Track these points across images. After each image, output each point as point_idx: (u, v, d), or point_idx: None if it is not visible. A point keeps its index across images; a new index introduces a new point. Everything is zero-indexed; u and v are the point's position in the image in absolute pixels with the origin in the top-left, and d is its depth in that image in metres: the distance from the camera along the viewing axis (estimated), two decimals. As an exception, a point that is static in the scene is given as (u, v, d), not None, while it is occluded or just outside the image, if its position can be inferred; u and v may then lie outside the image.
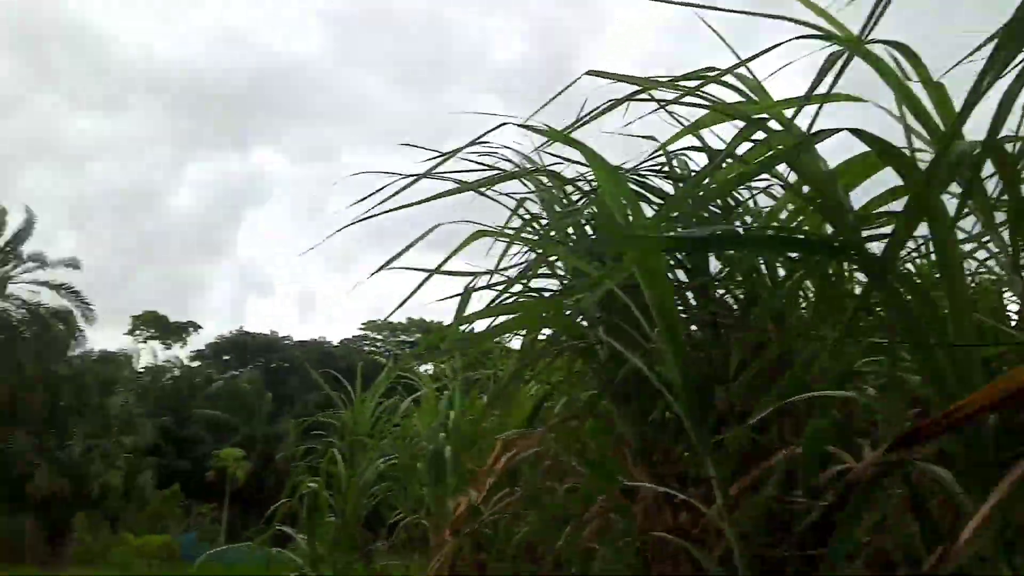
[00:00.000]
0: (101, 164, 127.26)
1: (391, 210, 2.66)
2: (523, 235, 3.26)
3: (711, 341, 2.77)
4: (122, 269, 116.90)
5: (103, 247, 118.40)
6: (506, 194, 3.28)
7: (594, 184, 3.01)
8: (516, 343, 3.82)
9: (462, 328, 3.13)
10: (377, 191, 2.66)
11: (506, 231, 3.19)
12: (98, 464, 24.99)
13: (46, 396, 26.87)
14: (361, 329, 68.34)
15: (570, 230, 3.25)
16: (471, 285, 3.11)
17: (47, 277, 30.31)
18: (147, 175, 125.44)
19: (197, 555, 33.18)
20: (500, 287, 3.16)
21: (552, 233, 3.23)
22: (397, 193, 2.66)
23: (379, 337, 67.98)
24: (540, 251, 3.24)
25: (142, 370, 58.19)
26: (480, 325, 3.12)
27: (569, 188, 3.25)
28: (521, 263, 3.27)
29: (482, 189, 3.03)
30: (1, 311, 28.72)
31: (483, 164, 3.10)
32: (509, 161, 3.16)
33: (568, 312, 3.03)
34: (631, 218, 2.54)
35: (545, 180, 3.20)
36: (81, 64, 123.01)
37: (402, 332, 67.28)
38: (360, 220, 2.74)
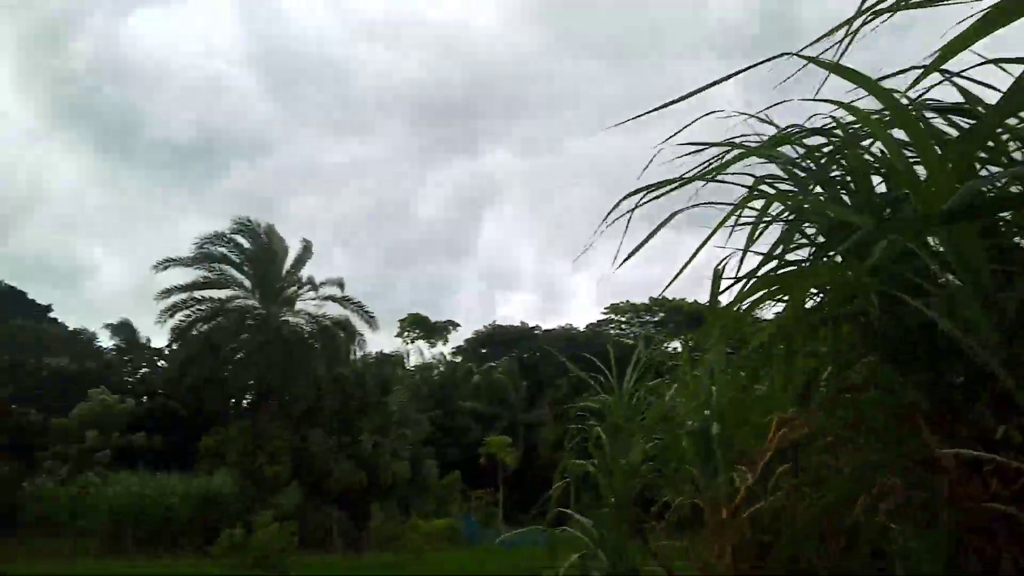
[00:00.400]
0: (356, 184, 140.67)
1: (663, 194, 2.65)
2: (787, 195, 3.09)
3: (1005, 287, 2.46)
4: (384, 277, 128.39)
5: (366, 259, 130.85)
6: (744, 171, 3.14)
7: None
8: (773, 315, 3.66)
9: (723, 302, 3.05)
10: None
11: (781, 189, 3.05)
12: (386, 456, 27.63)
13: (337, 398, 30.31)
14: (604, 313, 69.18)
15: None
16: (724, 261, 3.04)
17: (327, 293, 34.19)
18: (395, 189, 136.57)
19: (478, 537, 35.53)
20: (759, 259, 3.05)
21: (816, 189, 3.04)
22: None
23: (623, 319, 68.32)
24: (793, 219, 3.08)
25: (412, 368, 63.55)
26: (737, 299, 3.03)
27: (820, 139, 3.02)
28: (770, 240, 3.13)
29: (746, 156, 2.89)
30: (294, 326, 32.87)
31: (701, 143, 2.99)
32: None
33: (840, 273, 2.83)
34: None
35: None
36: (329, 97, 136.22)
37: (645, 312, 67.04)
38: (645, 199, 2.74)
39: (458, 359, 70.39)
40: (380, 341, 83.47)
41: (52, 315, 65.55)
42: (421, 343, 75.02)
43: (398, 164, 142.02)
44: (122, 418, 47.97)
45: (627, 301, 66.27)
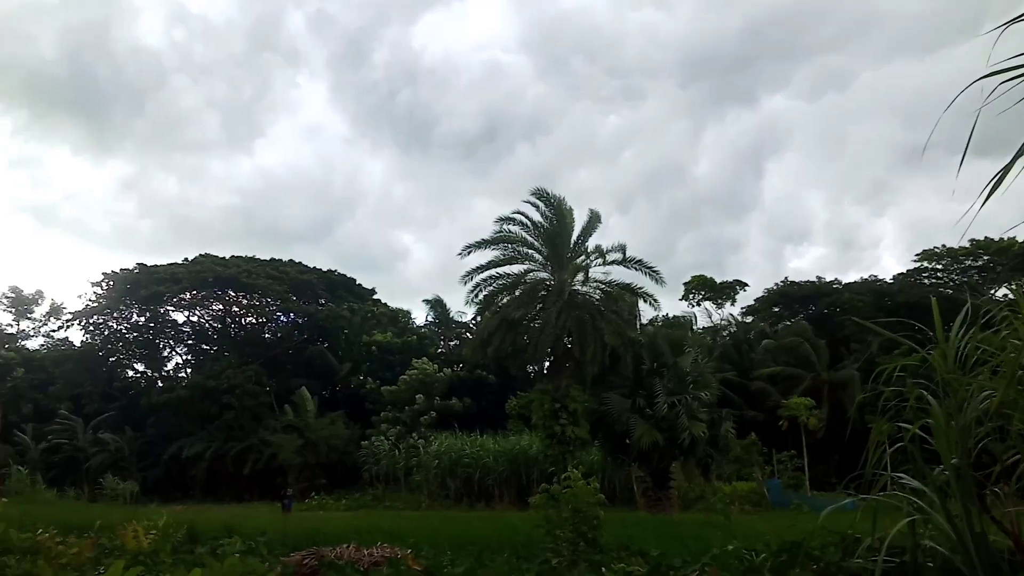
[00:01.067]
0: (631, 151, 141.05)
1: None
2: None
3: None
4: (664, 241, 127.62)
5: (645, 225, 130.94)
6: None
7: None
8: None
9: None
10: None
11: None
12: (683, 417, 27.68)
13: (630, 362, 30.95)
14: (915, 260, 62.24)
15: None
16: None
17: (606, 266, 34.96)
18: (670, 151, 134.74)
19: (785, 501, 34.28)
20: None
21: None
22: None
23: (938, 267, 61.08)
24: None
25: (701, 330, 62.63)
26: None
27: None
28: None
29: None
30: (584, 294, 34.08)
31: None
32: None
33: None
34: None
35: None
36: (599, 68, 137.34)
37: (965, 257, 59.30)
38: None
39: (748, 319, 67.93)
40: (666, 305, 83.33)
41: (376, 296, 74.31)
42: (708, 305, 73.63)
43: (672, 125, 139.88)
44: (440, 385, 53.46)
45: (943, 246, 59.00)
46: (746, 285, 73.74)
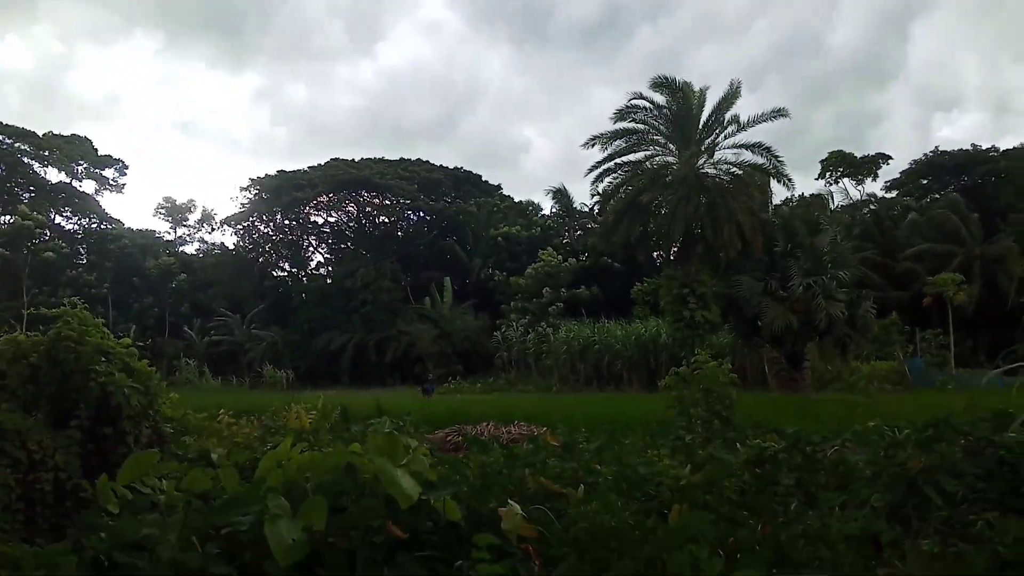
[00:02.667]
0: (760, 24, 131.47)
1: None
2: None
3: None
4: (799, 117, 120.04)
5: (777, 101, 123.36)
6: None
7: None
8: None
9: None
10: None
11: None
12: (819, 298, 26.77)
13: (763, 244, 29.92)
14: (1085, 122, 55.62)
15: None
16: None
17: (746, 138, 33.33)
18: (804, 20, 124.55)
19: (928, 380, 32.97)
20: None
21: None
22: None
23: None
24: None
25: (839, 209, 59.39)
26: None
27: None
28: None
29: None
30: (714, 177, 32.91)
31: None
32: None
33: None
34: None
35: None
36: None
37: None
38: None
39: (892, 194, 63.62)
40: (801, 185, 79.27)
41: (501, 192, 74.83)
42: (847, 182, 69.36)
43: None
44: (566, 275, 53.96)
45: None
46: (889, 158, 68.72)
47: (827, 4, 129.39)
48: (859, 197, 66.26)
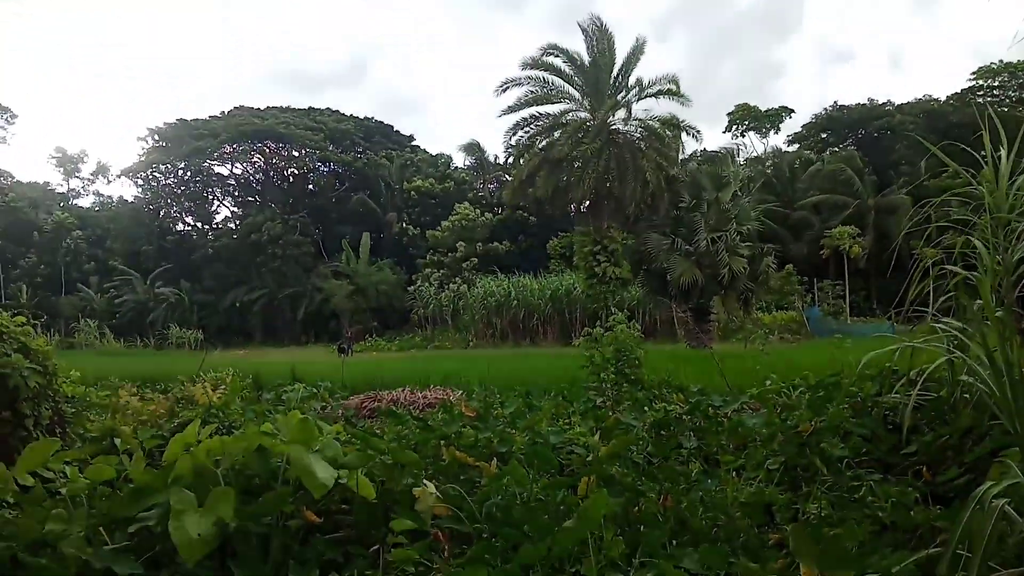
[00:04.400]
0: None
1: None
2: None
3: None
4: (705, 69, 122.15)
5: (685, 53, 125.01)
6: None
7: None
8: None
9: None
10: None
11: None
12: (723, 253, 27.70)
13: (670, 199, 30.64)
14: (970, 80, 58.59)
15: None
16: None
17: (653, 95, 33.63)
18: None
19: (824, 329, 34.79)
20: None
21: None
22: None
23: (994, 84, 57.58)
24: None
25: (744, 162, 61.18)
26: None
27: None
28: None
29: None
30: (626, 133, 33.26)
31: None
32: None
33: None
34: None
35: None
36: None
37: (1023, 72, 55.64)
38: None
39: (793, 148, 65.94)
40: (709, 138, 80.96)
41: (415, 143, 73.58)
42: (752, 136, 71.36)
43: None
44: (482, 229, 53.94)
45: (1001, 62, 55.28)
46: (792, 112, 70.99)
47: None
48: (764, 150, 68.41)
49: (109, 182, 73.72)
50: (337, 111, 70.96)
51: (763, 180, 52.93)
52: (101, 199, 74.24)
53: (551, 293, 41.97)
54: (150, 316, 56.86)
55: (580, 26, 33.25)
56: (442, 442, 4.96)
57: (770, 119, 70.92)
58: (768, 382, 7.70)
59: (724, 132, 71.63)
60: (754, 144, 70.67)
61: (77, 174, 75.36)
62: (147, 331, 55.92)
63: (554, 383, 11.85)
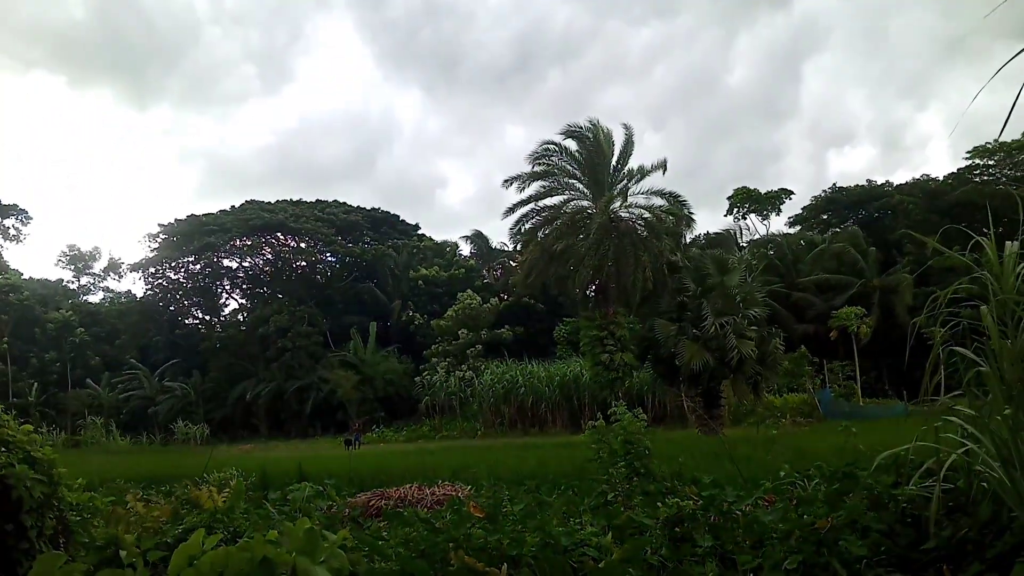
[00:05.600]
0: (663, 66, 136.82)
1: None
2: None
3: None
4: (701, 154, 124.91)
5: (681, 139, 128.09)
6: None
7: None
8: None
9: None
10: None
11: None
12: (731, 337, 27.62)
13: (675, 285, 30.77)
14: (967, 158, 59.49)
15: None
16: None
17: (648, 184, 34.35)
18: (703, 62, 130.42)
19: (837, 411, 34.31)
20: None
21: None
22: None
23: (991, 163, 58.44)
24: None
25: (745, 245, 61.71)
26: None
27: None
28: None
29: None
30: (626, 220, 33.76)
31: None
32: None
33: None
34: None
35: None
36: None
37: (1019, 152, 56.59)
38: None
39: (795, 230, 66.62)
40: (710, 221, 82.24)
41: (420, 232, 74.68)
42: (753, 218, 72.26)
43: (704, 34, 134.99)
44: (487, 316, 54.07)
45: (995, 141, 56.21)
46: (792, 194, 72.02)
47: (722, 46, 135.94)
48: (765, 232, 69.10)
49: (120, 278, 74.56)
50: (345, 203, 72.36)
51: (766, 262, 53.25)
52: (111, 295, 74.97)
53: (559, 380, 41.69)
54: (156, 409, 56.53)
55: (573, 128, 34.21)
56: (451, 545, 4.86)
57: (770, 201, 71.93)
58: (782, 473, 7.57)
59: (725, 215, 72.59)
60: (756, 226, 71.46)
61: (89, 271, 76.39)
62: (153, 426, 55.51)
63: (563, 476, 11.66)
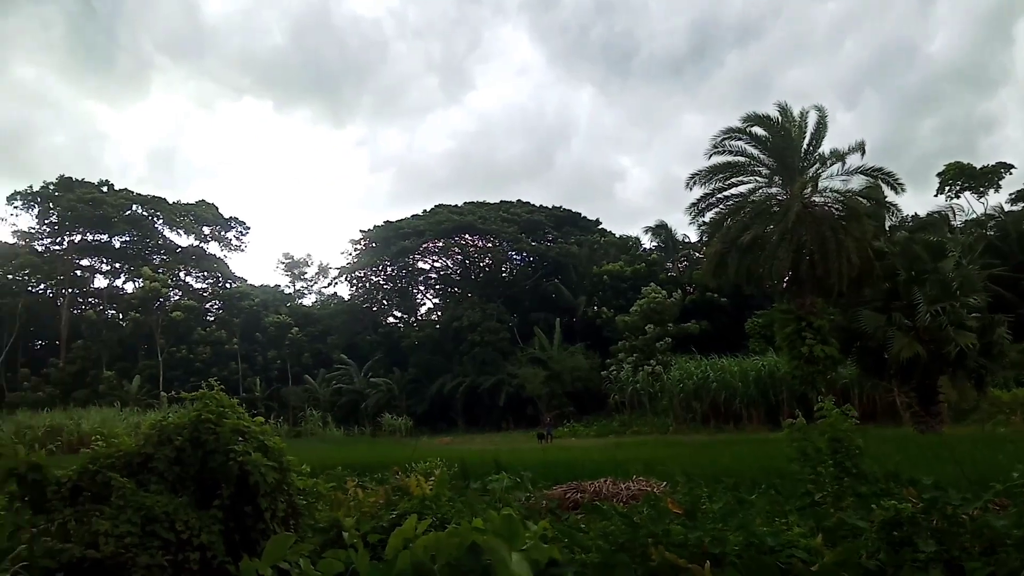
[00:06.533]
0: (852, 38, 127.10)
1: None
2: None
3: None
4: (900, 131, 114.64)
5: (876, 117, 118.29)
6: None
7: None
8: None
9: None
10: None
11: None
12: (948, 328, 25.23)
13: (882, 272, 28.50)
14: None
15: None
16: None
17: (848, 164, 31.94)
18: (897, 29, 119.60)
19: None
20: None
21: None
22: None
23: None
24: None
25: (960, 225, 55.99)
26: None
27: None
28: None
29: None
30: (822, 206, 31.72)
31: None
32: None
33: None
34: None
35: None
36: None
37: None
38: None
39: (1020, 206, 59.31)
40: (917, 202, 75.51)
41: (601, 227, 74.92)
42: (967, 196, 65.21)
43: (897, 2, 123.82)
44: (672, 310, 53.06)
45: None
46: (1011, 167, 64.17)
47: (920, 13, 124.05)
48: (983, 211, 62.25)
49: (329, 284, 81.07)
50: (528, 203, 74.14)
51: (986, 243, 47.96)
52: (322, 298, 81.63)
53: (753, 375, 40.05)
54: (365, 403, 60.80)
55: (757, 113, 32.53)
56: (650, 540, 4.85)
57: (987, 176, 64.58)
58: (1015, 475, 6.83)
59: (936, 195, 66.15)
60: (972, 204, 64.57)
61: (303, 276, 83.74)
62: (363, 418, 59.75)
63: (763, 475, 11.19)
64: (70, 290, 71.84)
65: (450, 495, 7.71)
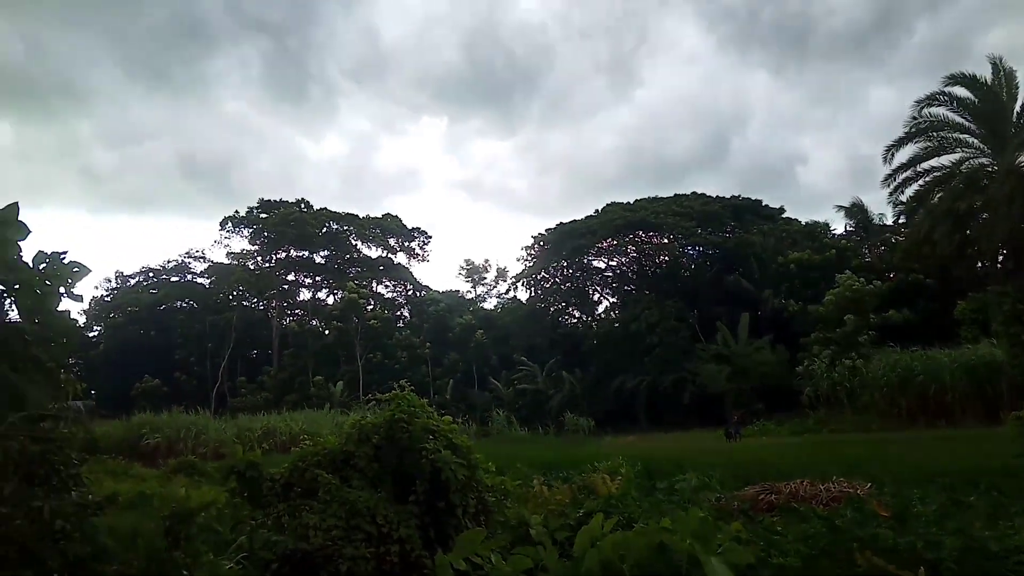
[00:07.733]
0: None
1: None
2: None
3: None
4: None
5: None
6: None
7: None
8: None
9: None
10: None
11: None
12: None
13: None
14: None
15: None
16: None
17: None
18: None
19: None
20: None
21: None
22: None
23: None
24: None
25: None
26: None
27: None
28: None
29: None
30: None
31: None
32: None
33: None
34: None
35: None
36: None
37: None
38: None
39: None
40: None
41: (785, 215, 71.26)
42: None
43: None
44: (871, 299, 49.31)
45: None
46: None
47: None
48: None
49: (509, 289, 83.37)
50: (703, 194, 72.04)
51: None
52: (502, 301, 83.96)
53: (966, 365, 36.38)
54: (548, 403, 61.66)
55: (962, 74, 29.39)
56: (855, 544, 4.54)
57: None
58: None
59: None
60: None
61: (483, 281, 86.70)
62: (546, 418, 60.65)
63: (982, 473, 10.12)
64: (279, 304, 78.75)
65: (635, 495, 7.63)
